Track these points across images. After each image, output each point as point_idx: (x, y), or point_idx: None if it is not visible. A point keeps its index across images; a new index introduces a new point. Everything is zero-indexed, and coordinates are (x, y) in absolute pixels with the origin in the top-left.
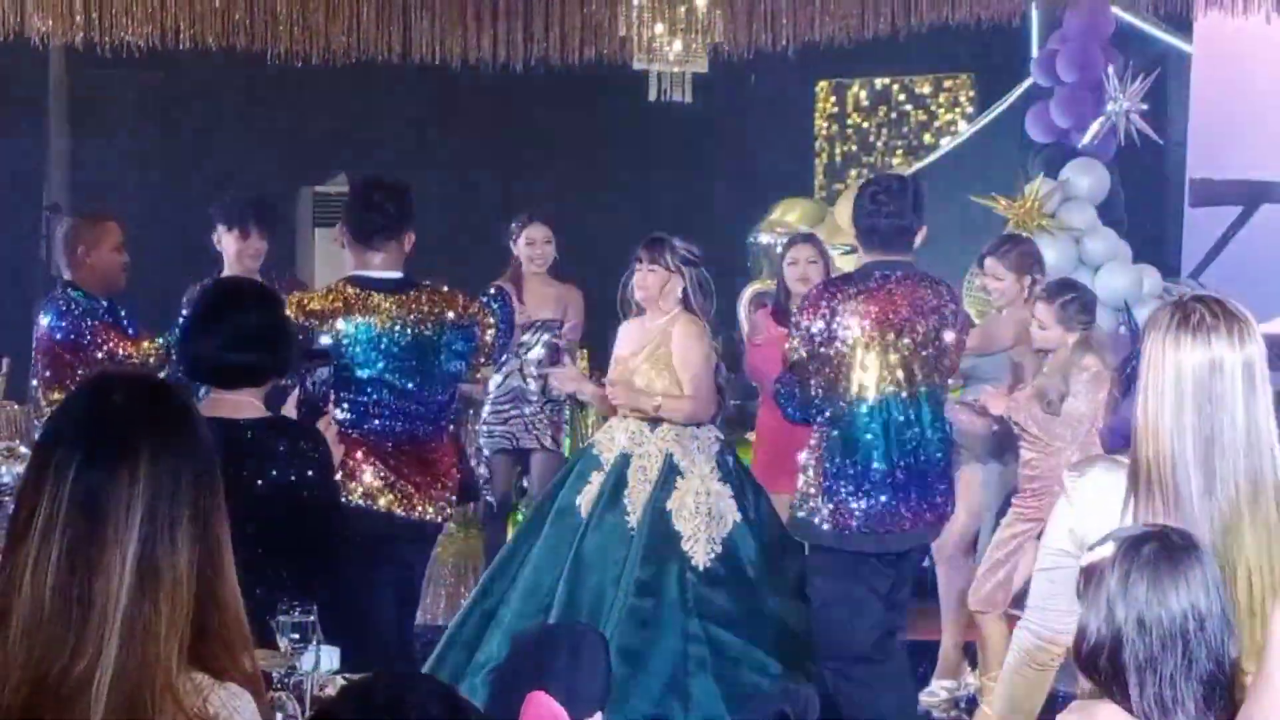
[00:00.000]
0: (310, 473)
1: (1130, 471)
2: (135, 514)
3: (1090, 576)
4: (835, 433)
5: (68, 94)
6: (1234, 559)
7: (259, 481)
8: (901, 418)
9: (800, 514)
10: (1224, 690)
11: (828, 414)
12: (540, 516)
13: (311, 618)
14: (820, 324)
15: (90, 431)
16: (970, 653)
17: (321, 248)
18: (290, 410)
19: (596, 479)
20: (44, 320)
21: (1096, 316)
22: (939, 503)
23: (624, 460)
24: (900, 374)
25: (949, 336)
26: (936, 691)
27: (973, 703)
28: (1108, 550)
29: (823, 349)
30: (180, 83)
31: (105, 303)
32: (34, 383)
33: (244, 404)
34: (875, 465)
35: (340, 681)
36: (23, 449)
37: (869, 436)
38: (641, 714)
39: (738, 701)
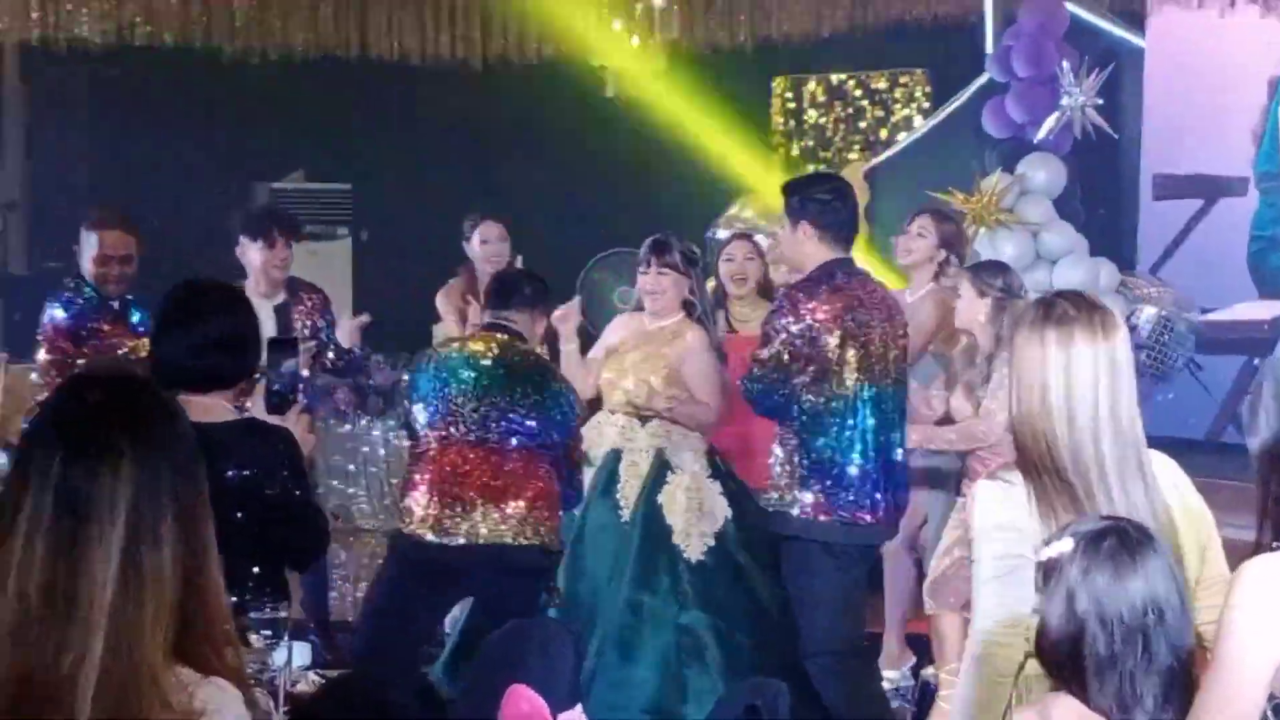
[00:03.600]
0: (281, 472)
1: (1019, 465)
2: (118, 511)
3: (1050, 572)
4: (814, 427)
5: (23, 90)
6: None
7: (229, 483)
8: (875, 412)
9: (773, 507)
10: (1181, 683)
11: (806, 408)
12: None
13: (283, 614)
14: (799, 325)
15: (71, 429)
16: (914, 644)
17: None
18: (259, 402)
19: (586, 475)
20: (49, 310)
21: (1017, 295)
22: (903, 497)
23: (614, 456)
24: (874, 369)
25: (902, 332)
26: None
27: (925, 692)
28: (1066, 546)
29: (805, 349)
30: (136, 79)
31: (114, 303)
32: (40, 367)
33: (214, 407)
34: (854, 459)
35: (313, 677)
36: None
37: (847, 431)
38: (639, 705)
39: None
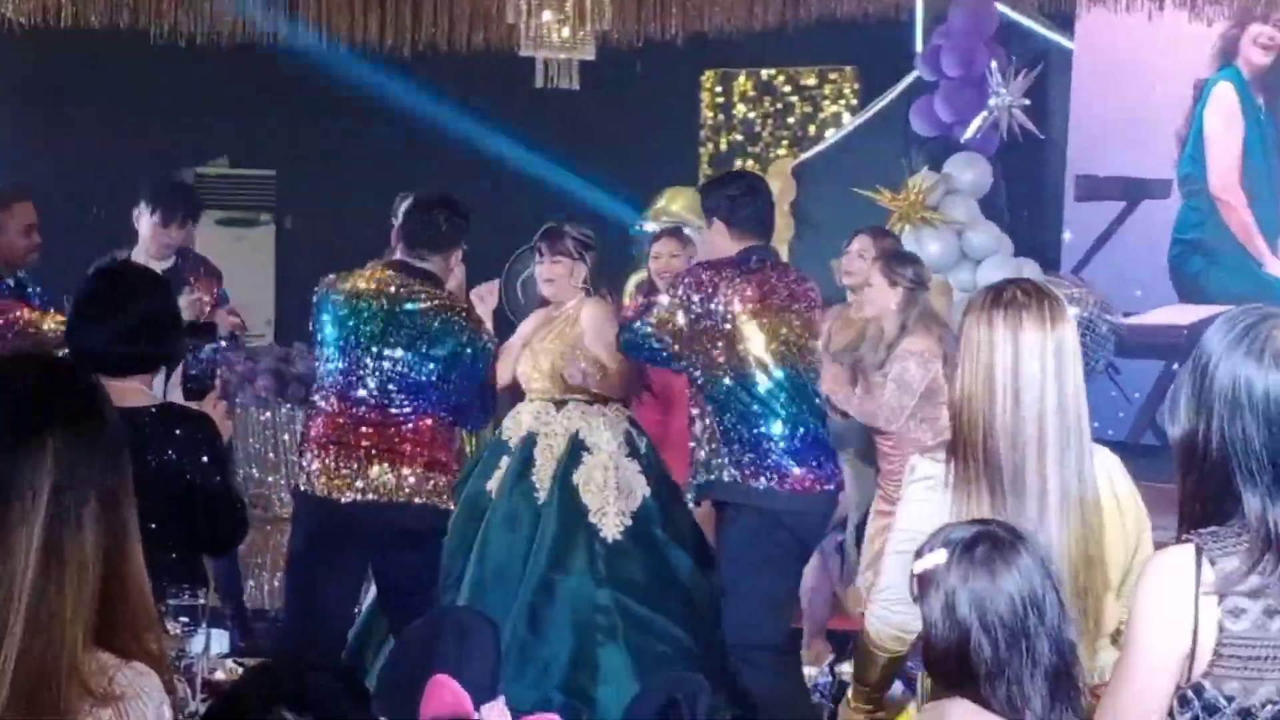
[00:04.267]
0: (202, 458)
1: (949, 446)
2: (41, 496)
3: (926, 583)
4: (726, 400)
5: None
6: (1050, 532)
7: (149, 468)
8: (787, 388)
9: (700, 479)
10: (1068, 678)
11: (706, 383)
12: None
13: (201, 601)
14: (699, 296)
15: None
16: (833, 639)
17: (203, 230)
18: (175, 387)
19: (505, 462)
20: None
21: (925, 288)
22: (832, 472)
23: (530, 440)
24: (782, 348)
25: (816, 317)
26: None
27: (842, 689)
28: (940, 556)
29: (704, 321)
30: (61, 62)
31: (11, 281)
32: None
33: (132, 391)
34: (769, 430)
35: (230, 665)
36: None
37: (758, 405)
38: (551, 685)
39: (648, 671)
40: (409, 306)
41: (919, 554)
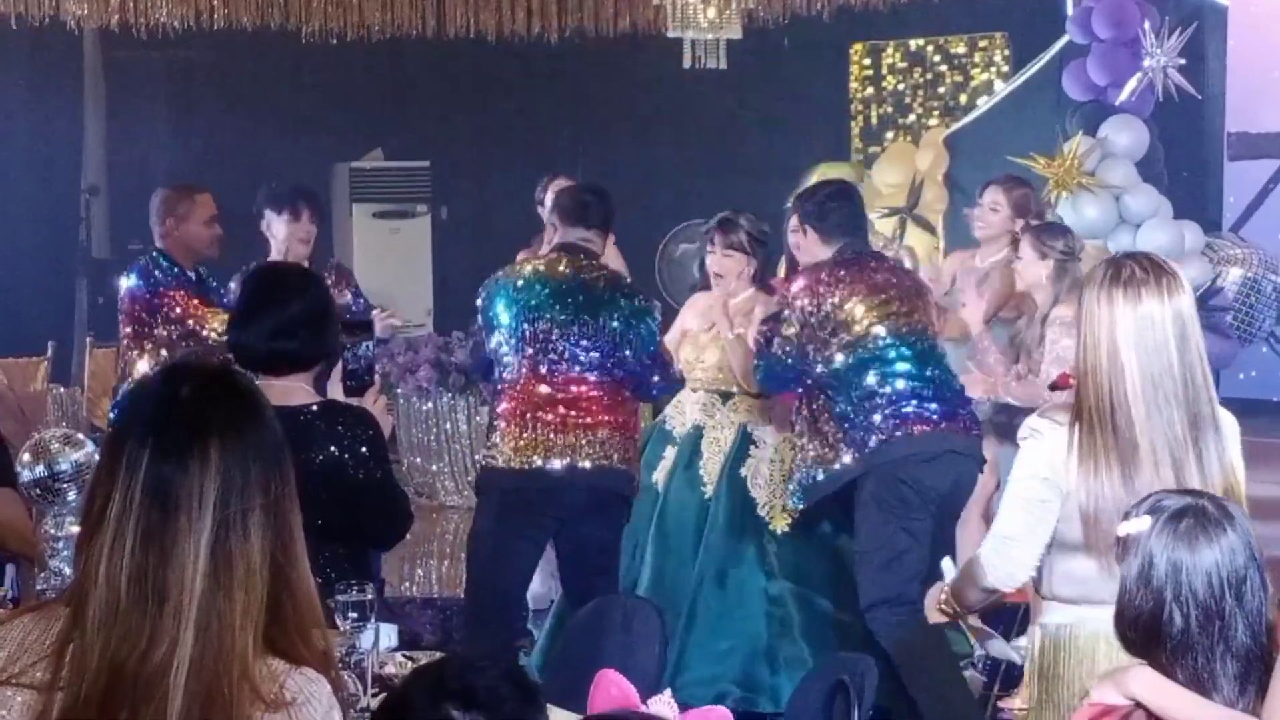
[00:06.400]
0: (363, 451)
1: (1072, 417)
2: (207, 503)
3: (1128, 547)
4: (843, 379)
5: (103, 76)
6: None
7: (312, 465)
8: (896, 348)
9: (820, 477)
10: (1261, 664)
11: (823, 372)
12: None
13: (369, 596)
14: (810, 302)
15: (161, 422)
16: (1002, 615)
17: (359, 223)
18: (335, 385)
19: (670, 453)
20: (126, 280)
21: (1076, 258)
22: (963, 415)
23: (697, 432)
24: (891, 317)
25: (927, 301)
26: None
27: (998, 662)
28: (1145, 524)
29: (816, 319)
30: (214, 62)
31: (192, 274)
32: (122, 343)
33: (293, 390)
34: (882, 391)
35: (399, 658)
36: (80, 436)
37: (872, 374)
38: (730, 678)
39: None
40: (581, 279)
41: (1126, 516)
